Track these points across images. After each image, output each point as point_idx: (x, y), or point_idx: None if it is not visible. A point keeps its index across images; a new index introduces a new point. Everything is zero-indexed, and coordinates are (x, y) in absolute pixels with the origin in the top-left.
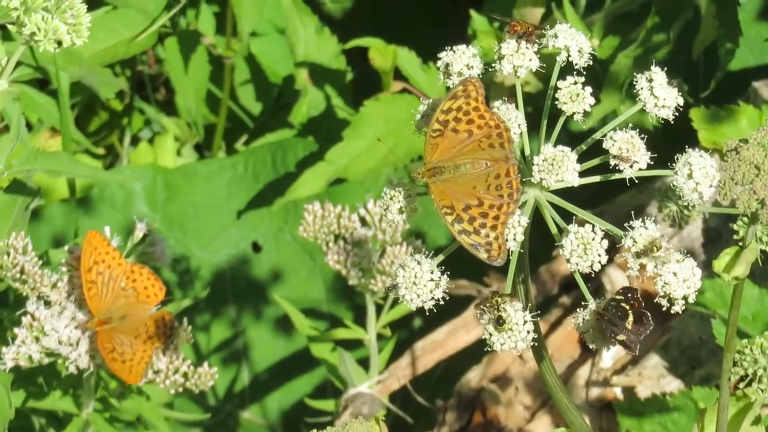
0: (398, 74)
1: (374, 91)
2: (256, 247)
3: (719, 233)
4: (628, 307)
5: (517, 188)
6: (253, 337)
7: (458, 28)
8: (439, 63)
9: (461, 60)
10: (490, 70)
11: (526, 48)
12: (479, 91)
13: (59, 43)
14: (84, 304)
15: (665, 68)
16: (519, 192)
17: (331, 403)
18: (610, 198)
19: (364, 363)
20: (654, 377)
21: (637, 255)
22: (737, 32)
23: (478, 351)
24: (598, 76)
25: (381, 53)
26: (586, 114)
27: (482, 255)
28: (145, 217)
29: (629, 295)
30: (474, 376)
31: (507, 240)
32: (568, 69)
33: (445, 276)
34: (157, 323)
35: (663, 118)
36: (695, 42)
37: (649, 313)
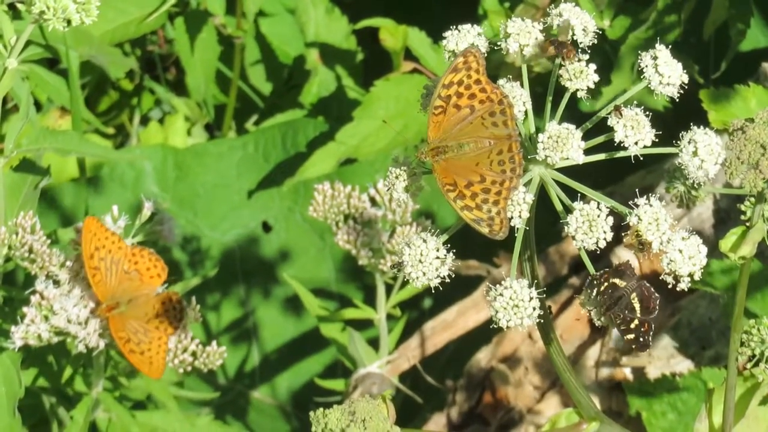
0: (409, 54)
1: (385, 71)
2: (266, 227)
3: (729, 214)
4: (635, 299)
5: (520, 163)
6: (263, 316)
7: (468, 7)
8: (445, 42)
9: (466, 39)
10: (495, 48)
11: (532, 27)
12: (480, 62)
13: (68, 22)
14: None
15: (674, 47)
16: (521, 166)
17: (341, 383)
18: (619, 179)
19: (374, 343)
20: (664, 357)
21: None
22: (749, 12)
23: (487, 331)
24: (608, 56)
25: (391, 33)
26: (590, 91)
27: (484, 229)
28: (155, 197)
29: (629, 276)
30: (483, 357)
31: (510, 215)
32: (577, 48)
33: (451, 254)
34: (164, 304)
35: (670, 97)
36: (706, 22)
37: (655, 296)
